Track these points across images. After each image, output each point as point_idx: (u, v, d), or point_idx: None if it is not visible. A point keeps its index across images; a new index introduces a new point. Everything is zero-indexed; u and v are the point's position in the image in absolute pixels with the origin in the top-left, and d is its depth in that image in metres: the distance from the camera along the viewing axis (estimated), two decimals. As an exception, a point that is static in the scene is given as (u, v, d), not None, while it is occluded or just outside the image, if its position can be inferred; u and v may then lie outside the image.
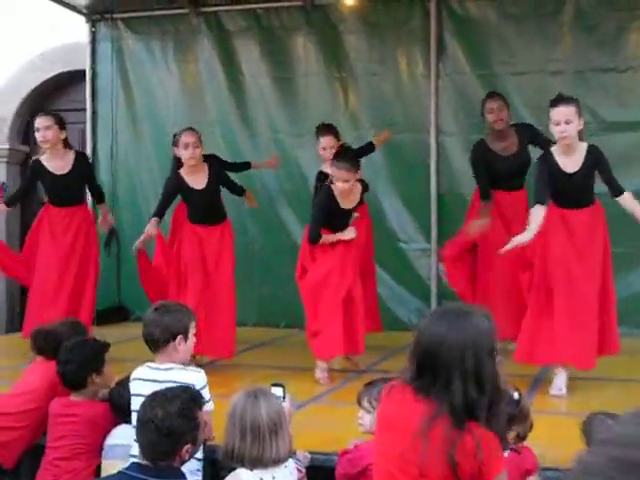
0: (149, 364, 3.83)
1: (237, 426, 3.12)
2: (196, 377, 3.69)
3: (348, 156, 5.91)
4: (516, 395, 3.50)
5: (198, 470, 3.67)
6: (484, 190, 6.42)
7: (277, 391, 3.45)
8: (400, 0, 8.24)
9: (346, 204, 5.91)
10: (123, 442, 3.81)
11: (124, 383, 3.94)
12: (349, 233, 5.93)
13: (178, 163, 6.38)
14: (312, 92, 8.52)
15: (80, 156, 6.86)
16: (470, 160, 6.67)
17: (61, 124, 6.67)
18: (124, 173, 9.02)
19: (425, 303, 8.13)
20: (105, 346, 4.31)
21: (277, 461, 3.11)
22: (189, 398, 3.27)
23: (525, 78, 7.91)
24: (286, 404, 3.42)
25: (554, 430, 4.23)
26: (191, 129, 6.31)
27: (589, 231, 5.36)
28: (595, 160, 5.33)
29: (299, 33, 8.59)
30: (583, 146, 5.34)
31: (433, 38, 8.12)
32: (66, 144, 6.74)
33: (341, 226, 5.93)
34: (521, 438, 3.52)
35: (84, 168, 6.81)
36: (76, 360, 4.11)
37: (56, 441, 4.05)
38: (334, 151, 6.24)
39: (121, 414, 3.95)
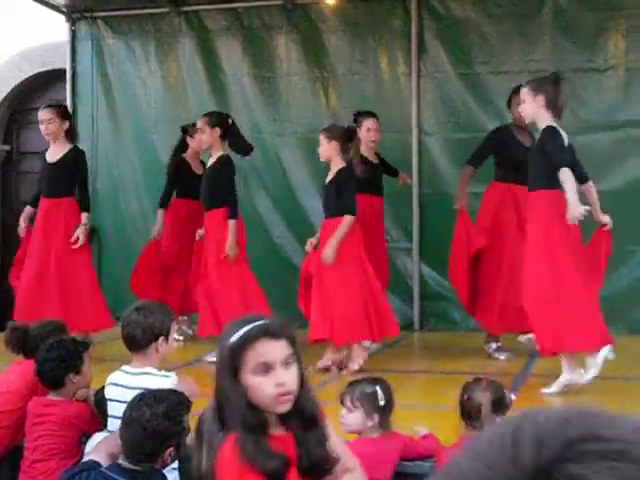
0: (124, 368, 3.80)
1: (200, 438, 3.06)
2: (165, 382, 3.64)
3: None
4: (476, 390, 3.53)
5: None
6: (476, 156, 6.48)
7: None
8: (381, 0, 8.25)
9: None
10: None
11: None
12: None
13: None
14: (293, 91, 8.51)
15: (75, 150, 6.73)
16: (487, 136, 6.62)
17: (63, 115, 6.66)
18: (105, 172, 8.98)
19: (407, 303, 8.13)
20: (84, 345, 4.28)
21: None
22: (177, 401, 3.25)
23: (506, 77, 7.91)
24: None
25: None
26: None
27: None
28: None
29: (280, 32, 8.58)
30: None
31: (414, 37, 8.12)
32: (69, 135, 6.68)
33: None
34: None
35: (72, 162, 6.69)
36: (54, 359, 4.08)
37: (33, 442, 4.01)
38: (377, 133, 6.84)
39: (105, 419, 3.92)
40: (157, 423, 3.09)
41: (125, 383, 3.68)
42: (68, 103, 9.06)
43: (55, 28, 9.15)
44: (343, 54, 8.42)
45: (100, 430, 3.82)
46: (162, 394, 3.27)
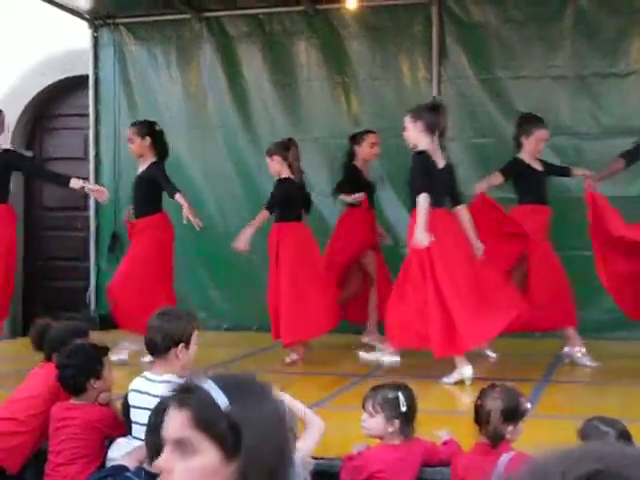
0: (145, 374, 3.82)
1: None
2: None
3: None
4: (487, 396, 3.52)
5: None
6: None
7: None
8: (402, 5, 8.27)
9: None
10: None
11: None
12: None
13: None
14: (314, 97, 8.53)
15: (152, 164, 6.85)
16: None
17: (140, 133, 6.85)
18: (127, 178, 8.98)
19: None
20: (104, 350, 4.31)
21: None
22: None
23: (527, 82, 7.93)
24: None
25: (556, 434, 4.22)
26: None
27: None
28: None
29: (301, 38, 8.61)
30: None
31: (435, 43, 8.14)
32: (154, 150, 6.86)
33: None
34: (491, 442, 3.51)
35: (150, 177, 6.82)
36: (75, 365, 4.11)
37: (57, 446, 4.05)
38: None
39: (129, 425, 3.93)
40: None
41: (147, 390, 3.70)
42: (90, 109, 9.15)
43: (78, 35, 9.21)
44: (364, 59, 8.43)
45: (124, 435, 3.84)
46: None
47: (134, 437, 3.68)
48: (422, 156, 5.93)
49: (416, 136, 6.01)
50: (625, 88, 7.73)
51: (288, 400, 3.29)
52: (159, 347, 3.79)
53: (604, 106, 7.75)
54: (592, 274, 6.43)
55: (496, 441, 3.48)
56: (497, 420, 3.47)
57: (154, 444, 3.16)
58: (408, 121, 6.07)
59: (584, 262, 6.81)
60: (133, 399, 3.75)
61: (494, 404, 3.48)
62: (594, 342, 7.14)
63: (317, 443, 3.42)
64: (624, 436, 3.28)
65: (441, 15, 8.16)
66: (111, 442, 4.04)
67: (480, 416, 3.50)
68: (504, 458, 3.41)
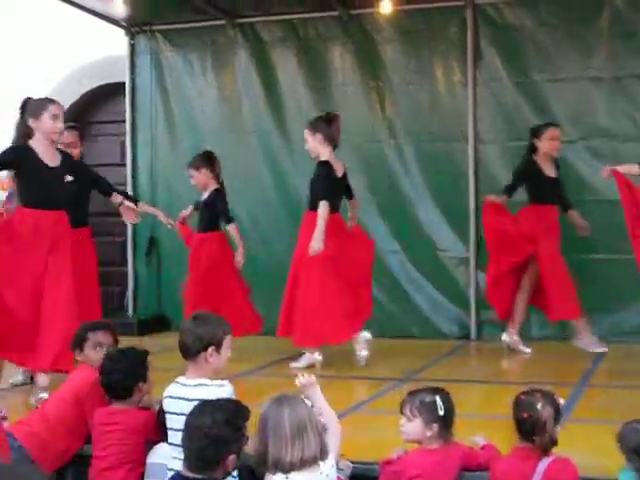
0: (178, 379, 3.84)
1: (261, 432, 3.16)
2: (219, 392, 3.66)
3: None
4: (539, 405, 3.48)
5: None
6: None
7: None
8: (436, 8, 8.25)
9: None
10: (164, 461, 3.80)
11: None
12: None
13: None
14: (349, 102, 8.54)
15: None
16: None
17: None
18: (163, 184, 9.10)
19: (465, 311, 8.11)
20: (146, 353, 4.35)
21: (299, 464, 3.11)
22: (236, 408, 3.31)
23: (563, 85, 7.88)
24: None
25: (594, 438, 4.19)
26: None
27: None
28: None
29: (335, 43, 8.63)
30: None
31: (470, 46, 8.11)
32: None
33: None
34: (543, 450, 3.47)
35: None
36: (121, 370, 4.14)
37: (102, 451, 4.07)
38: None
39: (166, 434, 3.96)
40: (219, 430, 3.14)
41: (181, 395, 3.72)
42: (127, 116, 9.23)
43: (114, 42, 9.30)
44: (398, 64, 8.42)
45: (164, 441, 3.86)
46: (221, 402, 3.34)
47: (170, 443, 3.70)
48: (325, 165, 6.45)
49: (316, 147, 6.52)
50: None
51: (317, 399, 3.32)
52: (190, 350, 3.83)
53: (641, 108, 7.69)
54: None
55: (550, 447, 3.46)
56: (551, 427, 3.45)
57: (192, 445, 3.19)
58: (307, 133, 6.57)
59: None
60: (168, 405, 3.78)
61: (546, 412, 3.45)
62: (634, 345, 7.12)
63: (337, 448, 3.40)
64: None
65: (475, 18, 8.14)
66: (150, 447, 4.07)
67: (531, 427, 3.43)
68: (544, 462, 3.39)
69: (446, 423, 3.63)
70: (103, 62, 9.76)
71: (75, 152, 6.42)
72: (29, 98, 5.58)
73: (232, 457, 3.18)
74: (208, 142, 8.74)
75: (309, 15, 8.66)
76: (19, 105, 5.58)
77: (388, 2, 8.01)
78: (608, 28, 7.78)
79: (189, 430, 3.21)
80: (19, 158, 5.44)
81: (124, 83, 9.30)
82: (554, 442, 3.46)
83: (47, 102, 5.54)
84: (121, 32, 9.24)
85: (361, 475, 3.82)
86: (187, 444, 3.21)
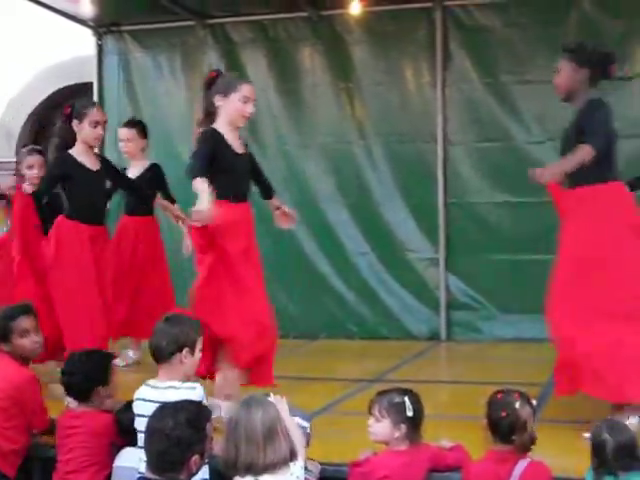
0: (149, 382, 3.81)
1: (232, 436, 3.12)
2: (190, 395, 3.64)
3: None
4: (517, 404, 3.48)
5: None
6: None
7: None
8: (406, 10, 8.25)
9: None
10: (131, 465, 3.76)
11: (129, 408, 3.90)
12: None
13: None
14: (319, 103, 8.53)
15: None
16: None
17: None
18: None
19: (434, 312, 8.12)
20: (110, 356, 4.32)
21: (271, 467, 3.09)
22: (198, 410, 3.30)
23: (532, 86, 7.91)
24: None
25: (562, 439, 4.21)
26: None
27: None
28: None
29: (305, 44, 8.61)
30: None
31: (439, 47, 8.13)
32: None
33: None
34: (522, 449, 3.47)
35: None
36: (82, 372, 4.12)
37: (66, 454, 4.04)
38: None
39: (127, 436, 3.93)
40: (181, 431, 3.13)
41: (152, 398, 3.70)
42: (95, 116, 9.13)
43: (82, 42, 9.23)
44: (368, 65, 8.43)
45: (133, 445, 3.83)
46: (183, 404, 3.32)
47: (140, 446, 3.67)
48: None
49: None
50: (629, 92, 7.71)
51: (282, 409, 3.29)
52: (163, 352, 3.80)
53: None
54: None
55: (530, 446, 3.46)
56: (531, 426, 3.45)
57: (154, 448, 3.16)
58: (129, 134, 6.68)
59: None
60: (138, 407, 3.75)
61: (525, 411, 3.46)
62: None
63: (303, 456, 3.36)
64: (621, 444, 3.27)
65: (445, 20, 8.16)
66: (118, 450, 4.04)
67: (510, 426, 3.42)
68: (520, 466, 3.38)
69: (414, 424, 3.62)
70: (71, 62, 9.70)
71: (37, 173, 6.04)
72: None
73: (195, 458, 3.17)
74: (177, 144, 8.70)
75: (279, 16, 8.64)
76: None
77: (357, 3, 8.01)
78: (576, 30, 7.82)
79: (151, 433, 3.19)
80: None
81: (92, 83, 9.22)
82: (533, 441, 3.47)
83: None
84: (89, 32, 9.16)
85: (330, 477, 3.81)
86: (149, 446, 3.19)
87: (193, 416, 3.21)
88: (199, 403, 3.43)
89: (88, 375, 4.13)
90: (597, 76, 4.84)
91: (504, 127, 7.90)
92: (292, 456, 3.18)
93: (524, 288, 7.35)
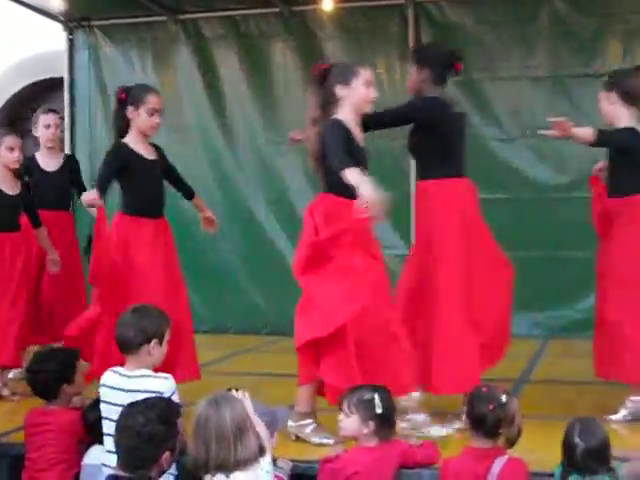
0: (116, 369, 3.77)
1: (201, 435, 3.09)
2: (163, 384, 3.61)
3: None
4: (503, 398, 3.48)
5: None
6: None
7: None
8: (378, 6, 8.26)
9: None
10: (100, 462, 3.73)
11: (96, 406, 3.86)
12: None
13: None
14: (291, 98, 8.50)
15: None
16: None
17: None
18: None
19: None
20: (76, 355, 4.28)
21: (242, 463, 3.07)
22: (167, 406, 3.27)
23: (503, 84, 7.95)
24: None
25: (534, 434, 4.21)
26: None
27: None
28: None
29: (277, 40, 8.59)
30: None
31: (411, 44, 8.13)
32: None
33: None
34: (509, 443, 3.48)
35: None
36: (47, 370, 4.09)
37: (34, 452, 4.01)
38: None
39: (95, 434, 3.89)
40: (152, 428, 3.10)
41: (121, 386, 3.64)
42: (66, 112, 9.08)
43: (52, 37, 9.14)
44: (340, 61, 8.38)
45: (101, 443, 3.79)
46: (153, 400, 3.29)
47: (106, 434, 3.63)
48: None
49: None
50: (600, 89, 7.73)
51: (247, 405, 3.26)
52: (131, 343, 3.76)
53: (581, 107, 7.76)
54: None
55: (516, 440, 3.46)
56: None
57: (125, 445, 3.13)
58: None
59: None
60: (105, 394, 3.69)
61: (514, 404, 3.47)
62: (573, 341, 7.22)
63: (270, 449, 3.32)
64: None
65: (417, 16, 8.16)
66: (87, 447, 4.01)
67: (497, 420, 3.41)
68: (499, 463, 3.38)
69: (384, 422, 3.62)
70: (41, 57, 9.61)
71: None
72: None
73: (166, 455, 3.14)
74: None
75: (251, 11, 8.61)
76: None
77: (330, -1, 8.00)
78: (548, 27, 7.86)
79: (121, 430, 3.16)
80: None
81: (62, 78, 9.14)
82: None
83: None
84: (59, 27, 9.08)
85: (301, 474, 3.80)
86: (120, 444, 3.15)
87: (164, 412, 3.18)
88: (169, 399, 3.40)
89: (53, 373, 4.09)
90: (440, 75, 4.89)
91: (474, 124, 7.90)
92: (261, 450, 3.16)
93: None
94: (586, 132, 4.86)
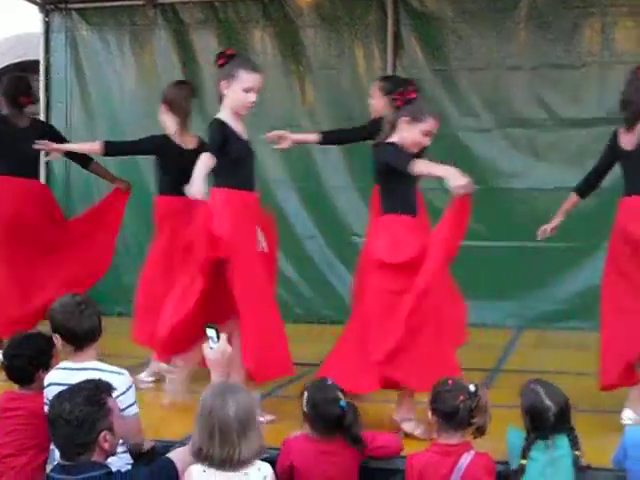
0: (63, 364, 3.74)
1: (205, 426, 3.05)
2: (116, 380, 3.49)
3: None
4: (472, 387, 3.48)
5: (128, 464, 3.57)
6: None
7: (211, 332, 3.45)
8: (357, -5, 8.24)
9: None
10: None
11: None
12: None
13: None
14: (269, 86, 8.40)
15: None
16: None
17: None
18: (77, 167, 8.88)
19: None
20: (51, 340, 4.25)
21: (244, 463, 3.04)
22: (94, 386, 3.20)
23: (481, 74, 7.95)
24: (221, 344, 3.42)
25: (506, 423, 4.23)
26: None
27: None
28: None
29: (256, 26, 8.55)
30: None
31: (390, 33, 8.13)
32: None
33: None
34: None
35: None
36: (23, 355, 4.06)
37: (3, 437, 3.98)
38: None
39: None
40: (80, 411, 3.06)
41: (67, 381, 3.52)
42: (41, 96, 8.99)
43: (28, 19, 9.08)
44: (319, 48, 8.39)
45: None
46: (78, 385, 3.23)
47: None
48: None
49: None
50: (579, 79, 7.78)
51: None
52: (85, 336, 3.74)
53: (558, 97, 7.81)
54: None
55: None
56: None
57: (58, 435, 3.10)
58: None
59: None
60: (51, 393, 3.58)
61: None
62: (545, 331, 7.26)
63: None
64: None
65: (396, 5, 8.16)
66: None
67: (469, 410, 3.43)
68: (465, 458, 3.38)
69: (312, 419, 3.64)
70: (16, 39, 9.52)
71: None
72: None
73: (104, 434, 3.09)
74: (126, 125, 8.61)
75: (230, -3, 8.57)
76: None
77: (309, -15, 7.99)
78: (526, 18, 7.87)
79: (52, 421, 3.13)
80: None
81: (38, 61, 9.06)
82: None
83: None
84: (35, 9, 8.99)
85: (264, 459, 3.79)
86: (54, 436, 3.13)
87: (91, 393, 3.13)
88: (96, 380, 3.28)
89: (29, 359, 4.06)
90: None
91: (450, 114, 7.91)
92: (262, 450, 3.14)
93: (477, 274, 7.38)
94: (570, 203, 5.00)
